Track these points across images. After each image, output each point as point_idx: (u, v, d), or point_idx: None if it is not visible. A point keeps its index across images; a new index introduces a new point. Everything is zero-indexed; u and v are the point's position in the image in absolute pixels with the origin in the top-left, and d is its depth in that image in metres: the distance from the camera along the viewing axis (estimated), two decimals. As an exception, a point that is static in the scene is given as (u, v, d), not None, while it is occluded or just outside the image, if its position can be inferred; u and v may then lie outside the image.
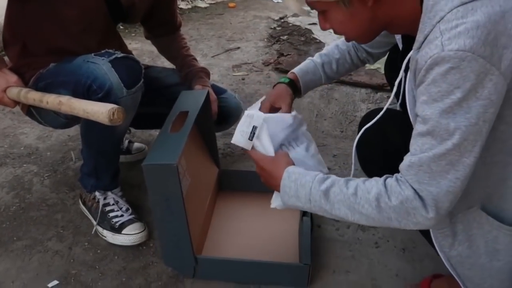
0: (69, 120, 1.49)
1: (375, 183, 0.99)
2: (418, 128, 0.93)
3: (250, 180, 1.68)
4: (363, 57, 1.48)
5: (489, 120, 0.89)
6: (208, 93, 1.58)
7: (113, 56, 1.35)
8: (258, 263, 1.37)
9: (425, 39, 0.91)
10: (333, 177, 1.06)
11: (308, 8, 1.09)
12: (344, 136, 2.13)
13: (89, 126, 1.43)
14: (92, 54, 1.38)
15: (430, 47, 0.88)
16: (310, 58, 1.51)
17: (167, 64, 1.97)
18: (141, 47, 3.03)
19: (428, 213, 0.93)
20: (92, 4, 1.45)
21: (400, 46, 1.19)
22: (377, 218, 0.99)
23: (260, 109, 1.39)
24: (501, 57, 0.85)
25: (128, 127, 1.87)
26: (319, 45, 3.09)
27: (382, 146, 1.31)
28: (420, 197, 0.94)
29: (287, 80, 1.46)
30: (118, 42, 1.68)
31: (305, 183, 1.06)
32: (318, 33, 3.27)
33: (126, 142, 1.94)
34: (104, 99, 1.31)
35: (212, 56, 2.99)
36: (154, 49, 1.96)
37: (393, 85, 1.40)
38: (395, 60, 1.35)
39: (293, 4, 1.11)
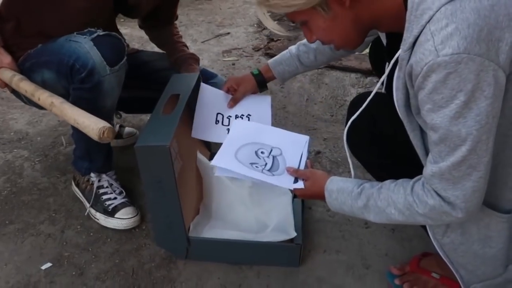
0: None
1: (403, 192, 1.03)
2: (431, 136, 0.95)
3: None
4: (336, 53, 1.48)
5: (496, 114, 0.90)
6: (199, 76, 1.58)
7: (95, 34, 1.35)
8: (250, 244, 1.38)
9: (415, 39, 0.89)
10: (365, 190, 1.12)
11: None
12: (334, 120, 2.14)
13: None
14: (75, 33, 1.37)
15: (424, 52, 0.86)
16: (289, 48, 1.54)
17: (157, 49, 1.96)
18: (131, 33, 3.01)
19: (458, 214, 0.97)
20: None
21: (384, 41, 1.18)
22: (411, 222, 1.05)
23: (222, 88, 1.60)
24: (498, 51, 0.84)
25: (116, 109, 1.86)
26: (309, 30, 3.09)
27: (371, 131, 1.32)
28: (446, 202, 0.97)
29: (256, 72, 1.58)
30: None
31: (345, 201, 1.15)
32: (308, 18, 3.27)
33: (117, 127, 1.94)
34: (87, 78, 1.31)
35: (202, 42, 2.98)
36: (144, 34, 1.95)
37: (379, 72, 1.42)
38: (379, 51, 1.36)
39: (271, 25, 1.10)
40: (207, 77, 1.76)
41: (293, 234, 1.36)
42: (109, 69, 1.33)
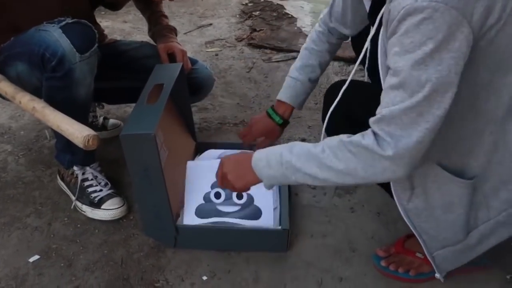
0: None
1: (339, 137, 1.03)
2: (389, 80, 0.95)
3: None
4: (339, 40, 1.48)
5: (458, 72, 0.91)
6: (182, 66, 1.58)
7: (64, 22, 1.34)
8: (238, 230, 1.40)
9: None
10: (299, 142, 1.10)
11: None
12: (318, 108, 2.16)
13: (49, 102, 1.38)
14: (44, 22, 1.36)
15: None
16: (292, 77, 1.48)
17: (136, 38, 1.95)
18: (112, 25, 2.98)
19: (389, 152, 0.94)
20: None
21: (367, 5, 1.20)
22: (344, 170, 1.00)
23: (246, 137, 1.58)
24: (473, 10, 0.86)
25: (98, 100, 1.85)
26: (291, 20, 3.10)
27: (347, 118, 1.33)
28: (380, 146, 0.95)
29: (280, 122, 1.52)
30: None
31: (275, 151, 1.10)
32: (290, 8, 3.28)
33: (101, 119, 1.94)
34: (58, 66, 1.31)
35: (185, 33, 2.97)
36: (125, 27, 1.94)
37: (362, 58, 1.42)
38: (361, 36, 1.38)
39: None
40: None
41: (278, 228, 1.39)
42: (79, 56, 1.32)
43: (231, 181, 1.18)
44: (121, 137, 1.23)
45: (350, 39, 1.54)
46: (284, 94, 1.49)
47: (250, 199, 1.44)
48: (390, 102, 0.94)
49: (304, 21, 3.06)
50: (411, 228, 1.17)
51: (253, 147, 1.57)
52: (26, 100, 1.32)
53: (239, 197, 1.45)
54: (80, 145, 1.20)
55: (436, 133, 0.95)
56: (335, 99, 1.23)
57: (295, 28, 2.97)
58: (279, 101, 1.50)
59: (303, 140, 1.90)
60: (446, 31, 0.86)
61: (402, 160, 0.95)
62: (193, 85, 1.73)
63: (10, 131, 1.98)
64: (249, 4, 3.46)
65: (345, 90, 1.20)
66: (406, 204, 1.13)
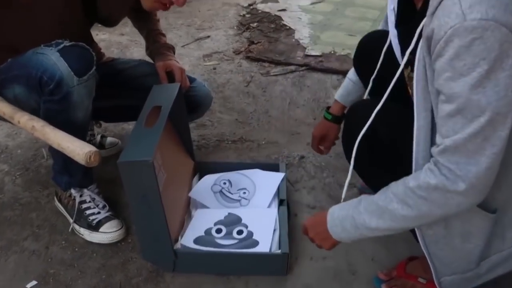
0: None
1: (403, 182, 1.01)
2: (445, 108, 0.91)
3: (225, 171, 1.69)
4: None
5: None
6: (180, 86, 1.57)
7: (62, 45, 1.33)
8: (237, 254, 1.38)
9: (439, 3, 0.88)
10: (364, 197, 1.10)
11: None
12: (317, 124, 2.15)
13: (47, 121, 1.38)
14: (42, 45, 1.36)
15: (449, 15, 0.85)
16: (347, 77, 1.57)
17: (136, 55, 1.94)
18: (109, 38, 2.97)
19: (461, 187, 0.92)
20: (71, 13, 1.45)
21: (392, 17, 1.18)
22: (418, 215, 1.00)
23: (312, 145, 1.67)
24: None
25: (95, 118, 1.84)
26: (289, 31, 3.09)
27: (368, 139, 1.31)
28: (451, 180, 0.92)
29: (329, 117, 1.60)
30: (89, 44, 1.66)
31: (347, 214, 1.11)
32: (287, 19, 3.27)
33: (98, 137, 1.92)
34: (56, 89, 1.30)
35: (182, 46, 2.96)
36: (122, 40, 1.93)
37: (364, 78, 1.40)
38: (365, 56, 1.37)
39: None
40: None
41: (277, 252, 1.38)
42: (76, 80, 1.31)
43: (319, 245, 1.22)
44: (119, 164, 1.22)
45: (354, 58, 1.54)
46: (337, 93, 1.59)
47: (250, 233, 1.44)
48: (450, 130, 0.91)
49: (302, 33, 3.05)
50: (426, 254, 1.14)
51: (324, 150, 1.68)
52: (25, 119, 1.31)
53: (239, 233, 1.45)
54: (82, 162, 1.19)
55: (502, 156, 0.92)
56: (358, 122, 1.21)
57: (293, 40, 2.97)
58: (335, 100, 1.60)
59: (302, 157, 1.89)
60: (498, 49, 0.84)
61: (475, 190, 0.93)
62: (191, 103, 1.72)
63: (6, 150, 1.97)
64: (247, 16, 3.45)
65: (365, 113, 1.17)
66: (426, 230, 1.10)
